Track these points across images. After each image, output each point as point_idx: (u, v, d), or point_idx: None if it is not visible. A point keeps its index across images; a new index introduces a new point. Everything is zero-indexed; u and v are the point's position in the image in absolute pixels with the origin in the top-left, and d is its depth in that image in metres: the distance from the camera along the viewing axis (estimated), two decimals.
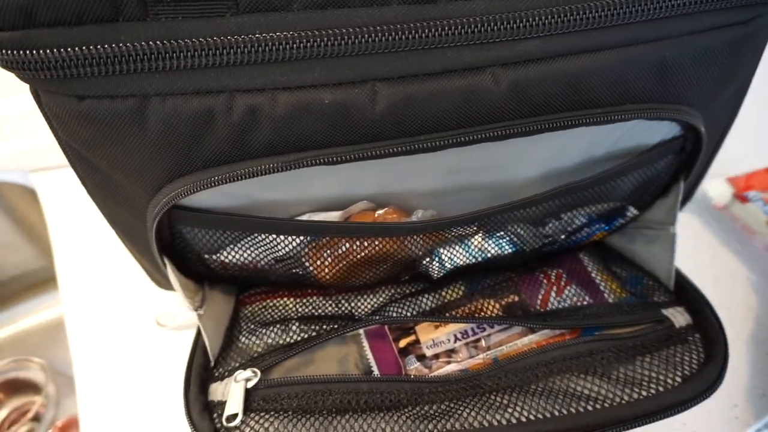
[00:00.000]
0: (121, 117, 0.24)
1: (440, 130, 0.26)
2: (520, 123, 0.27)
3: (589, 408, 0.30)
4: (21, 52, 0.22)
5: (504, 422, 0.30)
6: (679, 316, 0.35)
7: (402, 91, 0.25)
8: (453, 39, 0.24)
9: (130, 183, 0.29)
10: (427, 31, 0.24)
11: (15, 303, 0.85)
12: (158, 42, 0.22)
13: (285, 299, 0.40)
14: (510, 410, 0.31)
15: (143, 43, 0.22)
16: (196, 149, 0.26)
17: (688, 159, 0.36)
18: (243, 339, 0.37)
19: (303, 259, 0.35)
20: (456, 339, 0.36)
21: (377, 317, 0.37)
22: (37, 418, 0.76)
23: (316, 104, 0.25)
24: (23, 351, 0.80)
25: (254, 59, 0.24)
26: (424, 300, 0.40)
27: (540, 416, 0.30)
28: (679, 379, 0.31)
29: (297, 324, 0.38)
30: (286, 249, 0.34)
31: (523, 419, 0.30)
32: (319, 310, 0.39)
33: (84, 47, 0.22)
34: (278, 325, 0.38)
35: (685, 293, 0.36)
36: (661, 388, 0.30)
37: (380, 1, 0.24)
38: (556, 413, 0.30)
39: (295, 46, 0.23)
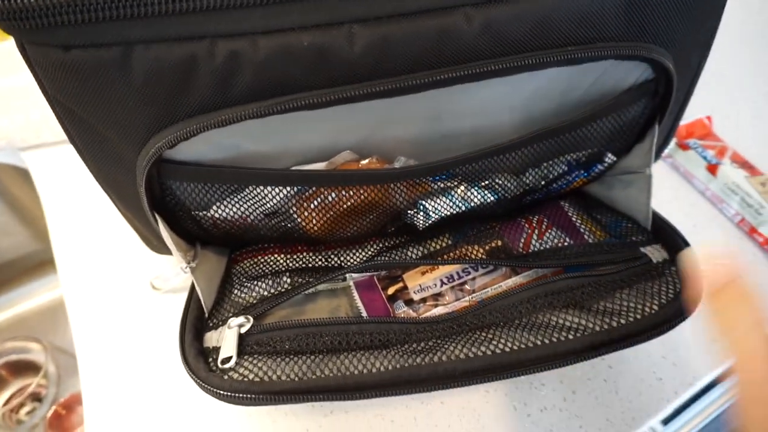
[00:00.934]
0: (107, 66, 0.25)
1: (417, 71, 0.27)
2: (493, 62, 0.27)
3: (570, 337, 0.31)
4: (5, 1, 0.22)
5: (489, 353, 0.31)
6: (656, 253, 0.36)
7: (378, 31, 0.26)
8: None
9: (118, 137, 0.30)
10: None
11: (13, 287, 0.85)
12: None
13: (276, 255, 0.41)
14: (495, 342, 0.32)
15: None
16: (180, 97, 0.27)
17: (662, 102, 0.37)
18: (236, 292, 0.38)
19: (291, 212, 0.36)
20: (442, 283, 0.37)
21: (366, 264, 0.38)
22: (38, 398, 0.77)
23: (295, 47, 0.25)
24: (24, 333, 0.80)
25: (234, 3, 0.24)
26: (412, 250, 0.41)
27: (522, 346, 0.31)
28: (655, 307, 0.32)
29: (288, 276, 0.39)
30: (274, 201, 0.35)
31: (507, 349, 0.31)
32: (310, 264, 0.41)
33: None
34: (270, 279, 0.39)
35: (662, 231, 0.38)
36: (638, 316, 0.32)
37: None
38: (539, 342, 0.32)
39: None
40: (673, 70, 0.33)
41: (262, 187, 0.34)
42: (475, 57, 0.27)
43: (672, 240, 0.36)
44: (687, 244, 0.36)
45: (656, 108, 0.38)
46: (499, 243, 0.39)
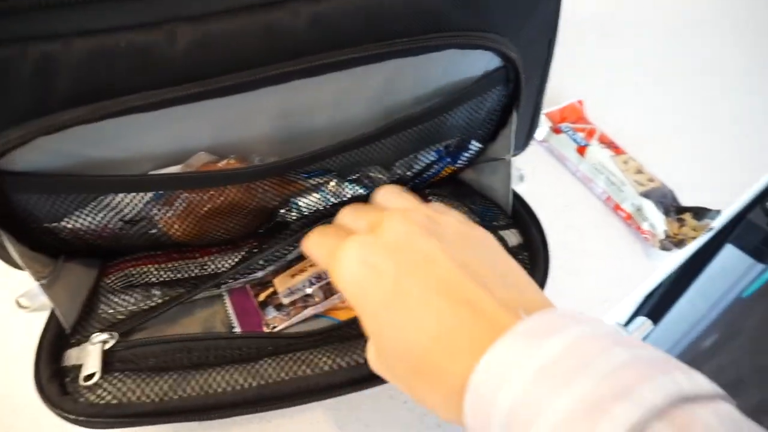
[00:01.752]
0: None
1: (246, 68, 0.27)
2: (325, 56, 0.28)
3: None
4: None
5: (354, 363, 0.32)
6: (512, 237, 0.37)
7: (200, 29, 0.25)
8: None
9: None
10: None
11: None
12: None
13: (147, 266, 0.40)
14: (359, 352, 0.33)
15: None
16: None
17: (515, 89, 0.38)
18: (103, 307, 0.37)
19: (153, 218, 0.35)
20: (311, 283, 0.37)
21: (235, 269, 0.38)
22: None
23: (112, 48, 0.25)
24: None
25: (44, 3, 0.23)
26: (287, 250, 0.41)
27: None
28: None
29: (159, 288, 0.38)
30: (130, 207, 0.34)
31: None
32: (182, 273, 0.40)
33: None
34: (139, 291, 0.38)
35: (520, 216, 0.39)
36: None
37: None
38: None
39: None
40: (516, 57, 0.35)
41: (113, 195, 0.32)
42: (306, 52, 0.27)
43: (526, 225, 0.38)
44: (539, 228, 0.38)
45: (512, 95, 0.39)
46: None
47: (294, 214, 0.39)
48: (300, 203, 0.39)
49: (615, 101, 0.61)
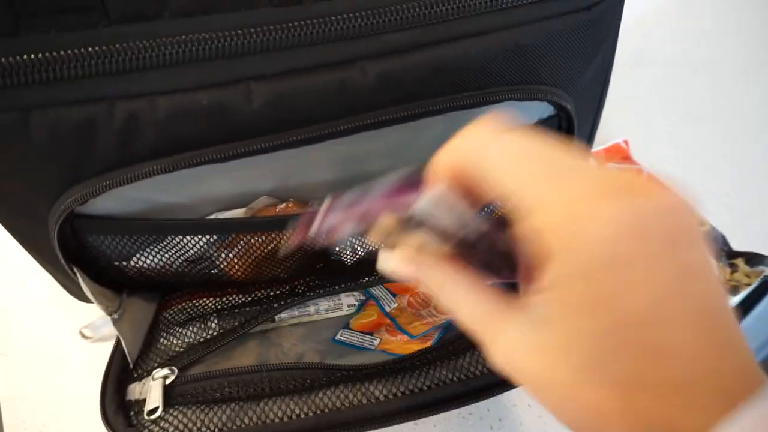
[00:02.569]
0: (4, 131, 0.25)
1: (317, 122, 0.28)
2: (391, 111, 0.29)
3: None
4: None
5: (408, 392, 0.33)
6: None
7: (275, 88, 0.27)
8: (320, 36, 0.27)
9: (26, 195, 0.30)
10: (294, 30, 0.26)
11: None
12: (32, 55, 0.24)
13: (205, 299, 0.41)
14: (413, 382, 0.33)
15: (17, 57, 0.24)
16: (83, 156, 0.27)
17: (567, 136, 0.39)
18: (162, 340, 0.38)
19: (214, 258, 0.36)
20: None
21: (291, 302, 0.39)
22: None
23: (193, 106, 0.26)
24: None
25: (129, 67, 0.25)
26: (342, 286, 0.42)
27: (441, 383, 0.33)
28: None
29: (216, 318, 0.39)
30: (195, 249, 0.35)
31: (425, 388, 0.33)
32: (239, 307, 0.41)
33: None
34: (197, 323, 0.39)
35: None
36: None
37: (248, 5, 0.26)
38: (455, 379, 0.33)
39: (167, 52, 0.25)
40: (571, 106, 0.35)
41: (180, 237, 0.34)
42: (372, 107, 0.29)
43: None
44: None
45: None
46: None
47: (348, 252, 0.40)
48: (354, 242, 0.40)
49: (661, 140, 0.61)
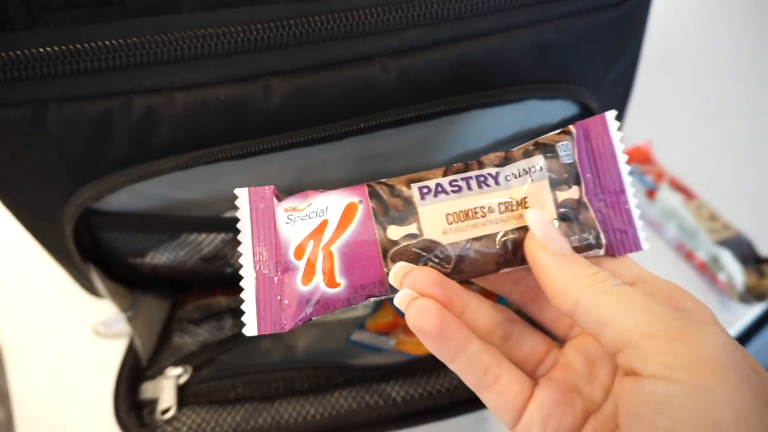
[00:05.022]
0: (20, 124, 0.25)
1: (336, 120, 0.28)
2: (412, 108, 0.28)
3: None
4: None
5: (426, 394, 0.32)
6: None
7: (294, 84, 0.26)
8: (339, 32, 0.26)
9: (40, 190, 0.29)
10: (313, 25, 0.25)
11: None
12: (48, 48, 0.23)
13: (218, 297, 0.41)
14: (431, 383, 0.32)
15: (33, 50, 0.23)
16: (100, 153, 0.27)
17: None
18: (176, 338, 0.38)
19: (229, 257, 0.36)
20: None
21: None
22: None
23: (212, 101, 0.26)
24: None
25: (147, 60, 0.24)
26: None
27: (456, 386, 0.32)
28: None
29: (230, 318, 0.39)
30: (210, 247, 0.34)
31: (443, 390, 0.32)
32: None
33: None
34: (211, 322, 0.39)
35: None
36: None
37: (267, 0, 0.25)
38: None
39: (186, 46, 0.24)
40: (595, 105, 0.34)
41: (196, 234, 0.33)
42: (393, 104, 0.28)
43: None
44: None
45: None
46: None
47: None
48: None
49: (684, 142, 0.60)
